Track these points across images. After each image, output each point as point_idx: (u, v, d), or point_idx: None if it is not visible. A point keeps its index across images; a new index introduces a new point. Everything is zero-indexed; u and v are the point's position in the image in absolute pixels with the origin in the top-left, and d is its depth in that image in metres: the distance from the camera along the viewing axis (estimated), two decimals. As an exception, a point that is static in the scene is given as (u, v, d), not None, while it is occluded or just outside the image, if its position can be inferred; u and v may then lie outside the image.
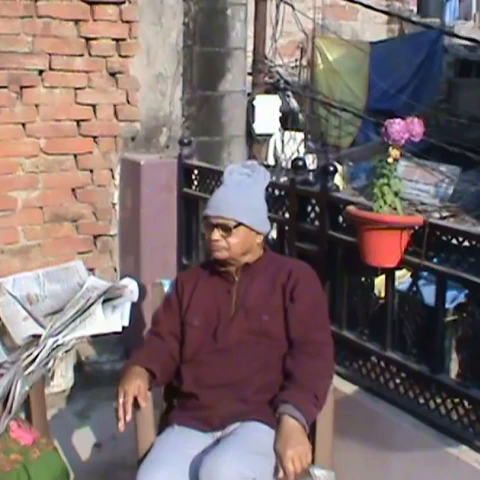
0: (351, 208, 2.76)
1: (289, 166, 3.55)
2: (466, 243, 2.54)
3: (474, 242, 2.51)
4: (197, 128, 4.43)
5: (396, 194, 2.61)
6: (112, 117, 4.22)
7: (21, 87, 3.95)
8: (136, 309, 3.05)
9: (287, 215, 3.23)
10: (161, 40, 4.29)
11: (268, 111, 8.56)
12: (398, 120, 2.58)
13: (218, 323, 2.62)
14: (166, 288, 2.94)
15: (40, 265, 3.81)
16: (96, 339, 3.65)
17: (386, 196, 2.60)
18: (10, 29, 3.87)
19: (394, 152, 2.60)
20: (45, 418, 3.03)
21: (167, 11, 4.28)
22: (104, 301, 2.88)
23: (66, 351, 2.83)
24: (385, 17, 12.08)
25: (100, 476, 3.37)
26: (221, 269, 2.69)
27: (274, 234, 3.31)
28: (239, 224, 2.61)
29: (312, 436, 2.52)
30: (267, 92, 8.93)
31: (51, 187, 4.11)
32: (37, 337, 2.79)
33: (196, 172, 3.89)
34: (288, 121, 9.47)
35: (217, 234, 2.62)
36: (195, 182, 3.89)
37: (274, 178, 4.17)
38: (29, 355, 2.74)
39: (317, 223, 3.09)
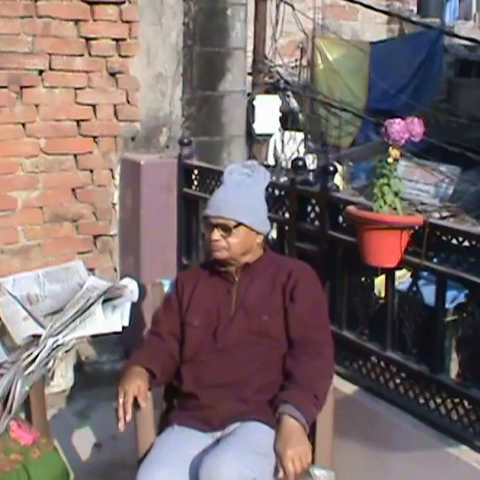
0: (351, 208, 2.76)
1: (289, 166, 3.55)
2: (466, 243, 2.54)
3: (474, 242, 2.51)
4: (197, 128, 4.43)
5: (396, 194, 2.61)
6: (112, 117, 4.22)
7: (21, 87, 3.95)
8: (136, 309, 3.05)
9: (287, 215, 3.23)
10: (161, 40, 4.29)
11: (268, 111, 8.56)
12: (398, 120, 2.58)
13: (218, 323, 2.62)
14: (166, 288, 2.94)
15: (40, 265, 3.81)
16: (96, 339, 3.65)
17: (386, 196, 2.60)
18: (10, 29, 3.87)
19: (394, 152, 2.60)
20: (45, 418, 3.03)
21: (167, 11, 4.28)
22: (104, 301, 2.88)
23: (66, 351, 2.83)
24: (385, 17, 12.08)
25: (100, 476, 3.37)
26: (221, 269, 2.69)
27: (274, 234, 3.31)
28: (239, 224, 2.61)
29: (312, 436, 2.52)
30: (267, 92, 8.93)
31: (51, 187, 4.11)
32: (37, 337, 2.79)
33: (196, 172, 3.89)
34: (288, 121, 9.47)
35: (217, 234, 2.62)
36: (195, 182, 3.89)
37: (274, 178, 4.17)
38: (29, 355, 2.74)
39: (317, 223, 3.09)
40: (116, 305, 2.94)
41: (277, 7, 8.97)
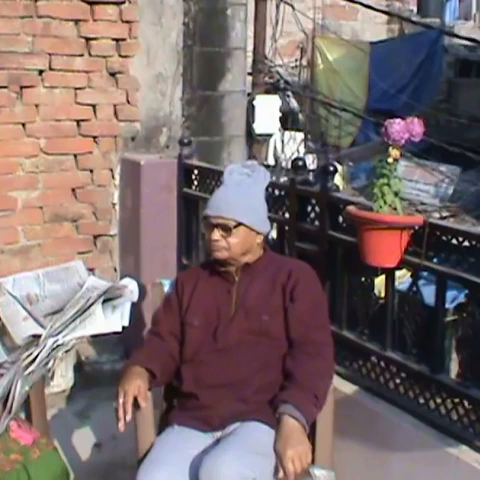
0: (351, 208, 2.76)
1: (289, 166, 3.55)
2: (466, 243, 2.54)
3: (474, 242, 2.51)
4: (197, 128, 4.43)
5: (396, 194, 2.61)
6: (112, 117, 4.22)
7: (21, 87, 3.95)
8: (136, 309, 3.05)
9: (287, 215, 3.23)
10: (161, 40, 4.29)
11: (268, 111, 8.56)
12: (398, 120, 2.58)
13: (218, 323, 2.62)
14: (166, 288, 2.94)
15: (40, 265, 3.81)
16: (96, 339, 3.65)
17: (386, 196, 2.60)
18: (10, 29, 3.87)
19: (394, 152, 2.60)
20: (45, 418, 3.03)
21: (167, 11, 4.28)
22: (104, 301, 2.88)
23: (66, 351, 2.83)
24: (385, 17, 12.08)
25: (100, 476, 3.37)
26: (221, 269, 2.69)
27: (274, 234, 3.31)
28: (239, 224, 2.61)
29: (312, 436, 2.52)
30: (267, 92, 8.93)
31: (51, 187, 4.11)
32: (37, 337, 2.79)
33: (196, 172, 3.89)
34: (288, 121, 9.47)
35: (217, 234, 2.62)
36: (195, 182, 3.89)
37: (274, 178, 4.17)
38: (29, 355, 2.74)
39: (317, 223, 3.09)
40: (116, 305, 2.94)
41: (277, 7, 8.97)
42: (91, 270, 3.85)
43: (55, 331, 2.79)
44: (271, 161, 8.83)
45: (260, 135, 8.61)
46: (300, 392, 2.40)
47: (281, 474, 2.25)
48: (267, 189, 2.83)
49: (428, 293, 2.72)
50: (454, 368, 2.93)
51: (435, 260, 2.66)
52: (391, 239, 2.61)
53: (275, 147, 8.95)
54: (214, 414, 2.52)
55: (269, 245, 2.92)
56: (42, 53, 3.97)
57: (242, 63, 4.59)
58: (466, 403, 2.56)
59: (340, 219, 2.99)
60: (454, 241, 2.57)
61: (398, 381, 2.79)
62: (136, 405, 2.47)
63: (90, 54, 4.09)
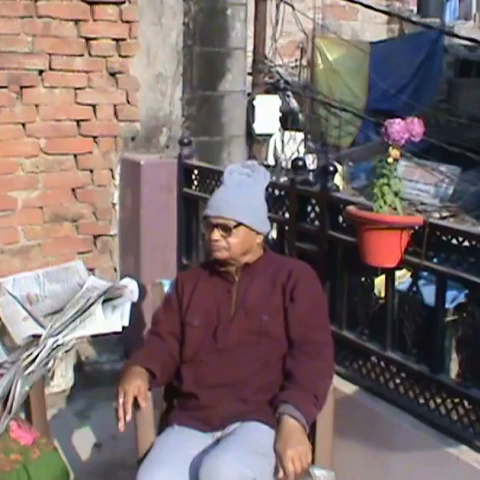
0: (351, 208, 2.76)
1: (289, 166, 3.55)
2: (466, 243, 2.54)
3: (474, 242, 2.51)
4: (197, 128, 4.43)
5: (396, 194, 2.61)
6: (112, 117, 4.22)
7: (21, 87, 3.95)
8: (136, 309, 3.05)
9: (287, 215, 3.23)
10: (161, 40, 4.29)
11: (268, 111, 8.56)
12: (398, 120, 2.58)
13: (218, 323, 2.62)
14: (166, 288, 2.94)
15: (40, 265, 3.81)
16: (96, 339, 3.65)
17: (386, 196, 2.60)
18: (10, 29, 3.87)
19: (394, 152, 2.60)
20: (45, 418, 3.03)
21: (167, 11, 4.28)
22: (104, 301, 2.88)
23: (66, 351, 2.83)
24: (385, 17, 12.08)
25: (100, 476, 3.37)
26: (221, 269, 2.69)
27: (274, 234, 3.31)
28: (239, 224, 2.61)
29: (312, 436, 2.52)
30: (267, 92, 8.93)
31: (51, 187, 4.11)
32: (37, 337, 2.79)
33: (196, 172, 3.89)
34: (288, 121, 9.47)
35: (217, 234, 2.62)
36: (195, 182, 3.89)
37: (274, 178, 4.17)
38: (29, 355, 2.74)
39: (317, 223, 3.09)
40: (116, 305, 2.94)
41: (277, 7, 8.97)
42: (91, 270, 3.85)
43: (55, 331, 2.79)
44: (271, 161, 8.83)
45: (260, 135, 8.61)
46: (300, 392, 2.40)
47: (281, 474, 2.25)
48: (267, 189, 2.83)
49: (428, 293, 2.72)
50: (454, 368, 2.93)
51: (435, 260, 2.66)
52: (391, 239, 2.61)
53: (275, 147, 8.95)
54: (214, 414, 2.52)
55: (269, 245, 2.92)
56: (42, 53, 3.97)
57: (242, 63, 4.59)
58: (466, 403, 2.56)
59: (340, 219, 2.99)
60: (454, 241, 2.57)
61: (398, 381, 2.79)
62: (136, 405, 2.47)
63: (90, 54, 4.09)
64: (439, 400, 2.64)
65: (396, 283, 2.82)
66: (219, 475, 2.25)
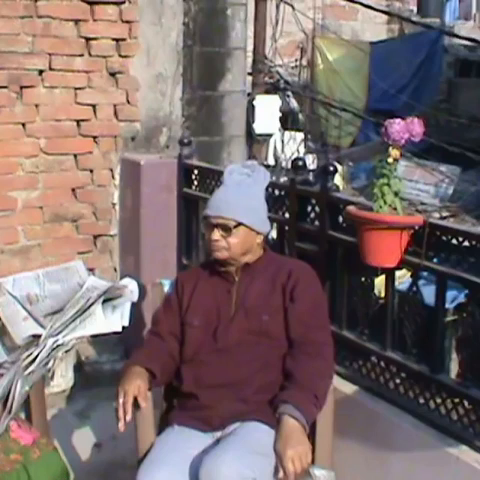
0: (351, 208, 2.76)
1: (289, 166, 3.55)
2: (466, 243, 2.54)
3: (474, 242, 2.51)
4: (197, 128, 4.43)
5: (396, 194, 2.61)
6: (112, 117, 4.22)
7: (21, 87, 3.95)
8: (136, 309, 3.05)
9: (287, 215, 3.23)
10: (161, 40, 4.29)
11: (268, 111, 8.56)
12: (398, 120, 2.58)
13: (218, 323, 2.62)
14: (166, 288, 2.94)
15: (40, 265, 3.80)
16: (96, 339, 3.64)
17: (386, 196, 2.60)
18: (10, 29, 3.87)
19: (394, 152, 2.60)
20: (45, 418, 3.03)
21: (167, 11, 4.28)
22: (104, 301, 2.88)
23: (66, 351, 2.83)
24: (385, 17, 12.08)
25: (100, 476, 3.37)
26: (221, 269, 2.69)
27: (274, 234, 3.31)
28: (239, 224, 2.61)
29: (312, 436, 2.52)
30: (267, 92, 8.93)
31: (51, 187, 4.11)
32: (37, 337, 2.79)
33: (196, 172, 3.89)
34: (288, 121, 9.47)
35: (217, 234, 2.62)
36: (195, 182, 3.89)
37: (274, 178, 4.17)
38: (29, 355, 2.74)
39: (317, 223, 3.09)
40: (116, 305, 2.94)
41: (277, 7, 8.97)
42: (91, 270, 3.85)
43: (55, 331, 2.79)
44: (271, 161, 8.83)
45: (260, 135, 8.61)
46: (300, 392, 2.40)
47: (281, 474, 2.25)
48: (267, 189, 2.83)
49: (428, 293, 2.72)
50: (454, 368, 2.93)
51: (435, 260, 2.66)
52: (391, 239, 2.61)
53: (275, 147, 8.96)
54: (214, 414, 2.52)
55: (269, 245, 2.92)
56: (42, 53, 3.97)
57: (242, 63, 4.59)
58: (466, 403, 2.56)
59: (340, 219, 2.99)
60: (454, 241, 2.57)
61: (398, 381, 2.79)
62: (136, 405, 2.47)
63: (90, 54, 4.09)
64: (439, 400, 2.64)
65: (396, 283, 2.82)
66: (219, 475, 2.25)
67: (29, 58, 3.93)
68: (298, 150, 8.75)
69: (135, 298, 3.00)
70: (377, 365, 2.87)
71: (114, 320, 2.91)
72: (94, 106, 4.15)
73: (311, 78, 11.06)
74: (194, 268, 3.26)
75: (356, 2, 9.79)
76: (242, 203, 2.64)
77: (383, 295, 2.87)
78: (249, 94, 7.83)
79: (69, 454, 3.30)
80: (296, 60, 10.88)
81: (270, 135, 8.83)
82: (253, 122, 8.38)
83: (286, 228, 3.24)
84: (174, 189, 3.98)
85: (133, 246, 4.19)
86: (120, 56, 4.17)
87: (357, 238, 2.72)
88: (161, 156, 4.27)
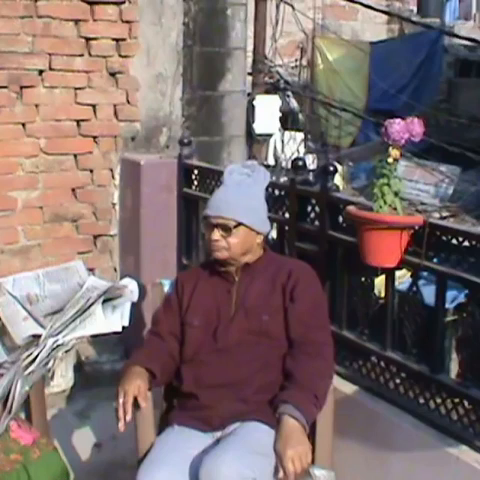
0: (351, 208, 2.76)
1: (289, 166, 3.55)
2: (466, 243, 2.54)
3: (474, 242, 2.51)
4: (197, 128, 4.43)
5: (396, 194, 2.61)
6: (112, 117, 4.22)
7: (21, 87, 3.95)
8: (136, 309, 3.05)
9: (287, 215, 3.23)
10: (161, 40, 4.29)
11: (268, 111, 8.56)
12: (398, 120, 2.58)
13: (218, 323, 2.62)
14: (166, 288, 2.94)
15: (40, 265, 3.80)
16: (96, 339, 3.64)
17: (386, 196, 2.60)
18: (10, 29, 3.87)
19: (394, 152, 2.60)
20: (45, 418, 3.03)
21: (167, 11, 4.28)
22: (104, 301, 2.88)
23: (66, 351, 2.83)
24: (385, 17, 12.08)
25: (100, 476, 3.37)
26: (221, 269, 2.69)
27: (274, 234, 3.31)
28: (239, 224, 2.61)
29: (312, 436, 2.52)
30: (267, 92, 8.93)
31: (51, 187, 4.11)
32: (37, 337, 2.79)
33: (196, 172, 3.89)
34: (288, 121, 9.47)
35: (217, 234, 2.62)
36: (195, 182, 3.89)
37: (274, 178, 4.17)
38: (29, 355, 2.74)
39: (317, 223, 3.09)
40: (116, 305, 2.94)
41: (277, 7, 8.97)
42: (91, 270, 3.85)
43: (55, 331, 2.79)
44: (271, 161, 8.83)
45: (260, 135, 8.61)
46: (300, 392, 2.40)
47: (281, 474, 2.25)
48: (267, 189, 2.83)
49: (428, 293, 2.72)
50: (454, 368, 2.93)
51: (435, 260, 2.66)
52: (391, 239, 2.61)
53: (275, 147, 8.95)
54: (214, 414, 2.52)
55: (269, 245, 2.92)
56: (42, 53, 3.97)
57: (242, 63, 4.59)
58: (466, 403, 2.56)
59: (340, 219, 2.99)
60: (454, 241, 2.57)
61: (398, 381, 2.79)
62: (136, 405, 2.47)
63: (90, 54, 4.09)
64: (439, 400, 2.64)
65: (396, 283, 2.82)
66: (219, 475, 2.25)
67: (29, 58, 3.93)
68: (298, 150, 8.75)
69: (135, 298, 3.00)
70: (377, 365, 2.87)
71: (114, 320, 2.91)
72: (94, 106, 4.15)
73: (311, 78, 11.06)
74: (194, 268, 3.26)
75: (356, 2, 9.79)
76: (242, 203, 2.64)
77: (383, 295, 2.87)
78: (249, 94, 7.83)
79: (69, 454, 3.30)
80: (296, 60, 10.89)
81: (270, 135, 8.83)
82: (253, 122, 8.38)
83: (286, 228, 3.24)
84: (174, 189, 3.98)
85: (133, 246, 4.19)
86: (120, 56, 4.18)
87: (357, 238, 2.72)
88: (161, 156, 4.27)
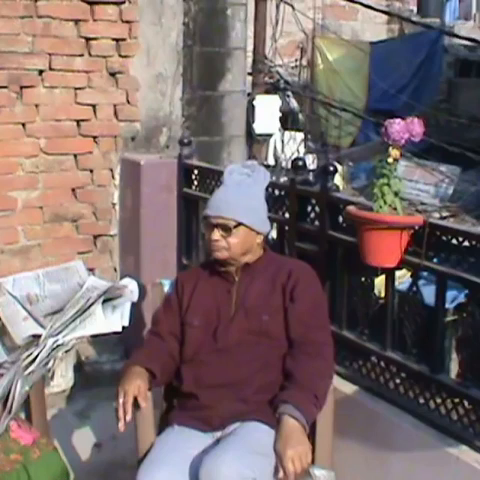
0: (351, 208, 2.76)
1: (289, 166, 3.55)
2: (466, 243, 2.54)
3: (474, 242, 2.51)
4: (197, 128, 4.43)
5: (396, 194, 2.61)
6: (112, 117, 4.22)
7: (21, 87, 3.95)
8: (136, 309, 3.05)
9: (287, 215, 3.23)
10: (161, 40, 4.29)
11: (268, 111, 8.56)
12: (398, 120, 2.58)
13: (218, 323, 2.62)
14: (166, 288, 2.94)
15: (40, 265, 3.80)
16: (96, 339, 3.65)
17: (386, 196, 2.60)
18: (10, 29, 3.87)
19: (394, 152, 2.60)
20: (45, 418, 3.03)
21: (167, 11, 4.28)
22: (104, 301, 2.88)
23: (66, 351, 2.83)
24: (385, 17, 12.08)
25: (100, 476, 3.37)
26: (221, 269, 2.69)
27: (274, 234, 3.31)
28: (239, 224, 2.61)
29: (312, 436, 2.52)
30: (267, 92, 8.93)
31: (51, 187, 4.11)
32: (37, 337, 2.79)
33: (196, 172, 3.89)
34: (288, 121, 9.47)
35: (217, 234, 2.62)
36: (195, 182, 3.89)
37: (274, 178, 4.17)
38: (29, 355, 2.74)
39: (317, 223, 3.09)
40: (116, 305, 2.94)
41: (277, 7, 8.97)
42: (91, 270, 3.85)
43: (55, 331, 2.79)
44: (271, 161, 8.83)
45: (260, 135, 8.61)
46: (300, 392, 2.40)
47: (281, 474, 2.25)
48: (267, 189, 2.83)
49: (428, 293, 2.72)
50: (454, 368, 2.93)
51: (435, 260, 2.66)
52: (391, 239, 2.61)
53: (275, 147, 8.95)
54: (214, 414, 2.52)
55: (269, 245, 2.92)
56: (42, 53, 3.97)
57: (242, 63, 4.59)
58: (466, 403, 2.56)
59: (340, 219, 2.99)
60: (454, 241, 2.57)
61: (398, 381, 2.79)
62: (136, 405, 2.47)
63: (90, 54, 4.09)
64: (439, 400, 2.64)
65: (396, 283, 2.82)
66: (219, 475, 2.25)
67: (29, 58, 3.93)
68: (298, 150, 8.75)
69: (135, 298, 3.00)
70: (377, 365, 2.87)
71: (114, 320, 2.91)
72: (94, 106, 4.15)
73: (311, 78, 11.06)
74: (194, 268, 3.26)
75: (356, 2, 9.79)
76: (242, 203, 2.64)
77: (383, 295, 2.87)
78: (249, 94, 7.83)
79: (69, 454, 3.30)
80: (296, 60, 10.89)
81: (270, 135, 8.83)
82: (253, 122, 8.38)
83: (286, 228, 3.24)
84: (174, 189, 3.98)
85: (133, 246, 4.19)
86: (120, 56, 4.18)
87: (357, 238, 2.72)
88: (161, 156, 4.27)
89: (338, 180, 6.25)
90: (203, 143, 4.37)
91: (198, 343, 2.62)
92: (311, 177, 3.21)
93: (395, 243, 2.61)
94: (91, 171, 4.20)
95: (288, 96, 9.79)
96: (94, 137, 4.19)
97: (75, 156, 4.15)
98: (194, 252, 3.90)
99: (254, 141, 8.51)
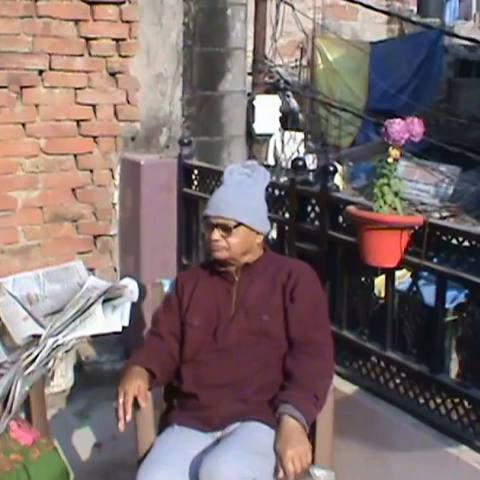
0: (351, 208, 2.76)
1: (289, 166, 3.55)
2: (466, 243, 2.54)
3: (474, 242, 2.51)
4: (197, 128, 4.43)
5: (396, 194, 2.61)
6: (112, 117, 4.22)
7: (21, 87, 3.95)
8: (136, 309, 3.05)
9: (287, 215, 3.23)
10: (161, 40, 4.29)
11: (268, 111, 8.56)
12: (398, 120, 2.58)
13: (218, 323, 2.62)
14: (166, 288, 2.94)
15: (40, 265, 3.81)
16: (96, 339, 3.65)
17: (386, 196, 2.60)
18: (10, 29, 3.87)
19: (394, 152, 2.60)
20: (45, 418, 3.03)
21: (167, 11, 4.28)
22: (104, 301, 2.88)
23: (66, 351, 2.83)
24: (385, 17, 12.08)
25: (100, 476, 3.37)
26: (221, 269, 2.69)
27: (274, 234, 3.31)
28: (239, 224, 2.61)
29: (312, 436, 2.52)
30: (267, 92, 8.93)
31: (51, 187, 4.11)
32: (37, 337, 2.79)
33: (196, 172, 3.89)
34: (288, 121, 9.47)
35: (217, 234, 2.62)
36: (195, 182, 3.89)
37: (274, 178, 4.17)
38: (29, 355, 2.74)
39: (317, 223, 3.09)
40: (116, 305, 2.94)
41: (277, 7, 8.97)
42: (91, 270, 3.85)
43: (55, 331, 2.79)
44: (271, 161, 8.83)
45: (260, 135, 8.61)
46: (300, 392, 2.40)
47: (281, 474, 2.25)
48: (267, 189, 2.83)
49: (428, 293, 2.72)
50: (454, 368, 2.93)
51: (435, 260, 2.66)
52: (391, 239, 2.61)
53: (275, 147, 8.96)
54: (214, 414, 2.52)
55: (269, 245, 2.92)
56: (42, 53, 3.97)
57: (242, 63, 4.59)
58: (466, 403, 2.56)
59: (340, 219, 2.99)
60: (454, 241, 2.57)
61: (398, 381, 2.79)
62: (136, 405, 2.47)
63: (90, 54, 4.09)
64: (439, 400, 2.64)
65: (396, 283, 2.82)
66: (219, 475, 2.25)
67: (29, 58, 3.94)
68: (298, 150, 8.75)
69: (135, 298, 3.00)
70: (377, 365, 2.87)
71: (114, 320, 2.91)
72: (94, 106, 4.15)
73: (311, 78, 11.06)
74: (194, 268, 3.26)
75: (356, 2, 9.79)
76: (242, 203, 2.64)
77: (383, 295, 2.87)
78: (249, 94, 7.83)
79: (69, 454, 3.30)
80: (296, 60, 10.89)
81: (270, 135, 8.83)
82: (253, 122, 8.38)
83: (286, 228, 3.24)
84: (174, 189, 3.98)
85: (133, 246, 4.19)
86: (120, 56, 4.18)
87: (357, 238, 2.72)
88: (161, 156, 4.27)
89: (338, 180, 6.25)
90: (203, 143, 4.37)
91: (198, 343, 2.62)
92: (311, 177, 3.21)
93: (395, 243, 2.61)
94: (91, 171, 4.20)
95: (288, 96, 9.80)
96: (94, 137, 4.19)
97: (75, 156, 4.15)
98: (194, 252, 3.90)
99: (254, 141, 8.51)
